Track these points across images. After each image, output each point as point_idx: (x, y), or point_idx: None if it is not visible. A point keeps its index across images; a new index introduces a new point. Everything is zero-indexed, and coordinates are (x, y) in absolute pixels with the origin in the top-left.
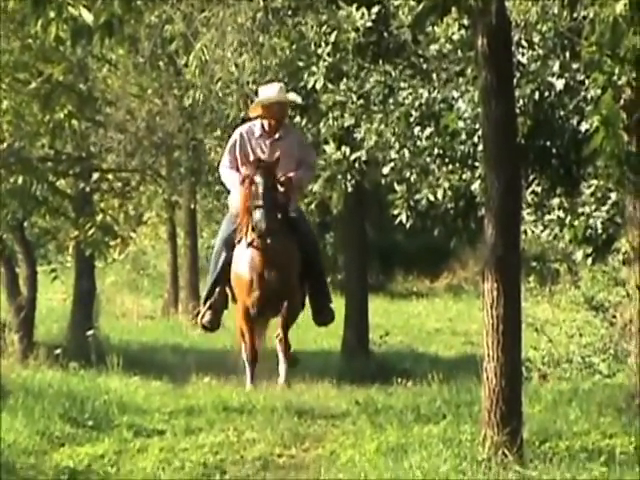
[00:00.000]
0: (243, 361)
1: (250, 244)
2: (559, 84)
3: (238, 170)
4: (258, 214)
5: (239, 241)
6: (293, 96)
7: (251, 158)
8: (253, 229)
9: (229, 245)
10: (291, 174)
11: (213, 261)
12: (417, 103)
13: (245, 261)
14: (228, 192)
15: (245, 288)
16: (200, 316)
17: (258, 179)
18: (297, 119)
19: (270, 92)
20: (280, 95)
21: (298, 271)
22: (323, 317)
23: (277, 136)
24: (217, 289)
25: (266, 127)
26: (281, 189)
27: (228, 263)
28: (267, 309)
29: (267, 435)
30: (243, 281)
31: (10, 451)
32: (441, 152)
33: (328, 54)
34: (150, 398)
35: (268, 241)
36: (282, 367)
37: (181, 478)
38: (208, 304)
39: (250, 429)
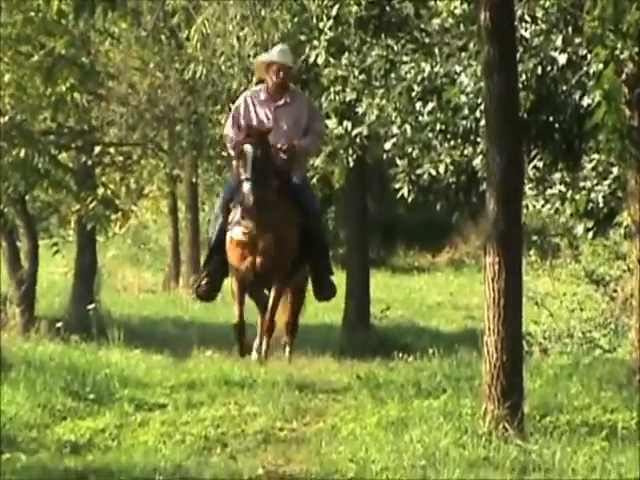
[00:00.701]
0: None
1: (241, 215)
2: (562, 59)
3: (239, 133)
4: (245, 187)
5: (235, 206)
6: (294, 58)
7: (254, 124)
8: (240, 202)
9: (226, 210)
10: (295, 142)
11: (212, 227)
12: (419, 78)
13: (238, 227)
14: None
15: (237, 255)
16: (196, 285)
17: (247, 149)
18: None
19: (272, 53)
20: (281, 56)
21: (294, 245)
22: (325, 292)
23: (282, 102)
24: (214, 257)
25: (272, 93)
26: (283, 157)
27: (225, 230)
28: (259, 278)
29: (268, 409)
30: (235, 248)
31: (12, 424)
32: (443, 127)
33: (330, 28)
34: (151, 372)
35: (258, 213)
36: (263, 343)
37: (182, 451)
38: (205, 272)
39: (251, 403)
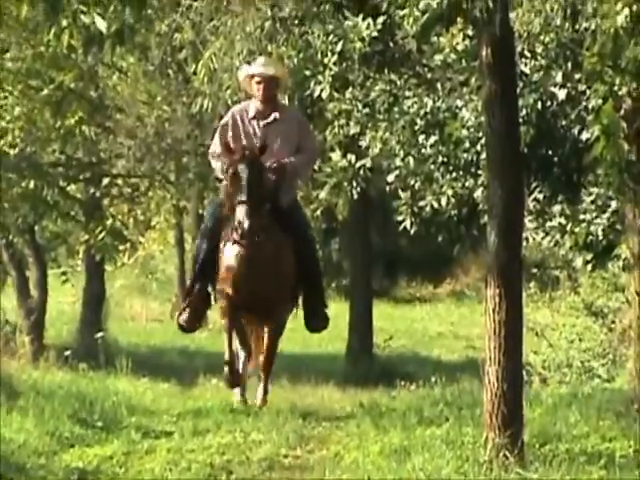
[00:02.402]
0: (225, 372)
1: (236, 241)
2: (561, 94)
3: (229, 153)
4: (241, 211)
5: (227, 235)
6: (280, 70)
7: (244, 142)
8: (236, 228)
9: (211, 236)
10: (285, 160)
11: (195, 256)
12: (422, 112)
13: (232, 255)
14: (219, 180)
15: (231, 280)
16: (178, 314)
17: (242, 170)
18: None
19: (253, 65)
20: (261, 68)
21: (290, 271)
22: (316, 323)
23: (272, 118)
24: (197, 286)
25: (260, 107)
26: (272, 177)
27: (208, 259)
28: (252, 307)
29: (273, 436)
30: (229, 274)
31: (20, 452)
32: (445, 160)
33: (334, 63)
34: (158, 400)
35: (255, 238)
36: (260, 386)
37: (188, 479)
38: (187, 302)
39: (256, 431)
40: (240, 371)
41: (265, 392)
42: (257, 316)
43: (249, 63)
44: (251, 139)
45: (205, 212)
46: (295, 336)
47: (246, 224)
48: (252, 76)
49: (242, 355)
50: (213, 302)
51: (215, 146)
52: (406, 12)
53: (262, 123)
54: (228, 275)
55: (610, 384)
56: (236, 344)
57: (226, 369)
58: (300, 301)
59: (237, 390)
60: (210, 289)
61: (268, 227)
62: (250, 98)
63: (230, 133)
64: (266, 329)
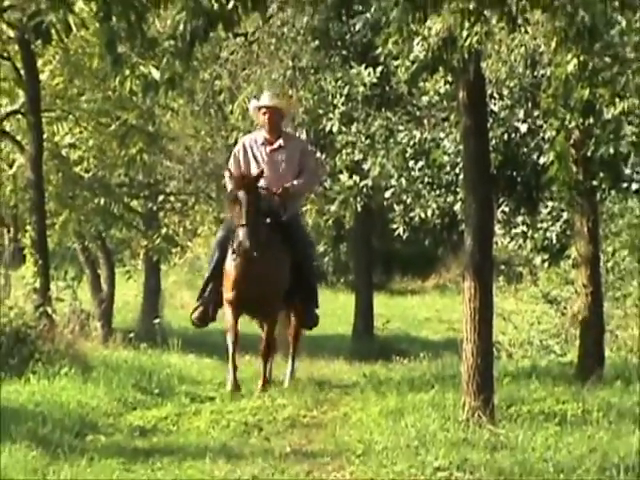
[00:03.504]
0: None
1: (237, 254)
2: (523, 127)
3: (231, 180)
4: (241, 234)
5: (233, 248)
6: (284, 102)
7: (252, 167)
8: (237, 247)
9: (222, 247)
10: (287, 184)
11: (209, 261)
12: (411, 142)
13: (233, 263)
14: None
15: (230, 284)
16: (192, 311)
17: (241, 197)
18: (318, 154)
19: (262, 99)
20: (266, 100)
21: (284, 279)
22: (308, 322)
23: (277, 145)
24: (209, 287)
25: (267, 135)
26: (277, 198)
27: (220, 264)
28: (249, 310)
29: (294, 400)
30: (229, 278)
31: (93, 413)
32: (430, 180)
33: (342, 103)
34: (203, 372)
35: (254, 254)
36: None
37: (227, 434)
38: (200, 302)
39: (281, 396)
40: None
41: (265, 376)
42: (254, 316)
43: (257, 98)
44: (259, 163)
45: (220, 227)
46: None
47: (246, 244)
48: (259, 108)
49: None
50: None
51: (230, 170)
52: (399, 62)
53: (269, 149)
54: (229, 284)
55: (563, 358)
56: (236, 348)
57: (230, 367)
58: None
59: (229, 384)
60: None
61: (266, 243)
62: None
63: (241, 158)
64: (263, 325)
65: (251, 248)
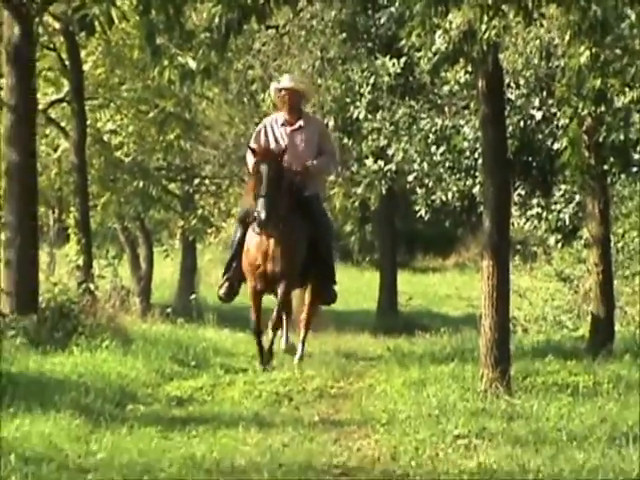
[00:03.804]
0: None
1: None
2: (538, 115)
3: (254, 155)
4: (260, 204)
5: (251, 222)
6: (303, 85)
7: (272, 145)
8: (254, 218)
9: (243, 224)
10: (308, 163)
11: (232, 238)
12: (433, 129)
13: (252, 243)
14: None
15: (251, 267)
16: (218, 288)
17: (263, 168)
18: (345, 140)
19: (282, 81)
20: (286, 82)
21: (301, 255)
22: (325, 297)
23: (297, 125)
24: (233, 264)
25: (287, 116)
26: (298, 177)
27: (242, 240)
28: (268, 285)
29: (322, 372)
30: (249, 260)
31: (133, 384)
32: (451, 165)
33: (368, 92)
34: (237, 345)
35: (269, 226)
36: (283, 338)
37: (259, 404)
38: (225, 277)
39: (310, 367)
40: (263, 346)
41: (287, 339)
42: (271, 289)
43: (278, 81)
44: (279, 142)
45: (239, 206)
46: (339, 297)
47: (263, 214)
48: (280, 90)
49: (265, 337)
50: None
51: (251, 147)
52: (422, 54)
53: (289, 129)
54: (247, 258)
55: (575, 333)
56: (259, 318)
57: (255, 340)
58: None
59: (259, 358)
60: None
61: (284, 216)
62: (276, 111)
63: (263, 137)
64: (278, 295)
65: (267, 219)
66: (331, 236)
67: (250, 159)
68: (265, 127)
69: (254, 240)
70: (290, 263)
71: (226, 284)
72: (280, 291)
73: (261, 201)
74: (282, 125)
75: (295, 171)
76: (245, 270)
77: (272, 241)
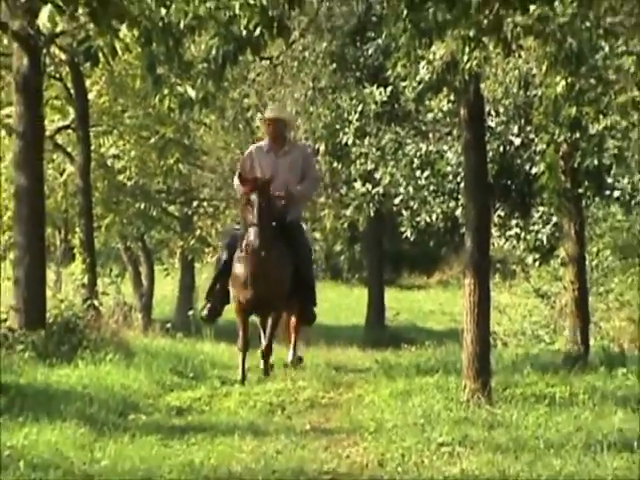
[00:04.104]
0: (237, 352)
1: (246, 253)
2: (517, 141)
3: (244, 184)
4: (252, 232)
5: (240, 247)
6: (287, 114)
7: (257, 172)
8: (247, 245)
9: (229, 249)
10: (292, 189)
11: (216, 262)
12: (418, 154)
13: (242, 266)
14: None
15: (240, 287)
16: (201, 309)
17: (254, 198)
18: (335, 164)
19: (267, 111)
20: (275, 112)
21: (288, 280)
22: (305, 318)
23: (281, 152)
24: (217, 286)
25: (272, 144)
26: (282, 202)
27: (227, 264)
28: (256, 308)
29: (313, 383)
30: (238, 282)
31: (135, 395)
32: (435, 188)
33: (356, 119)
34: (233, 358)
35: (262, 254)
36: (262, 364)
37: (254, 413)
38: (207, 300)
39: (302, 379)
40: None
41: (266, 368)
42: (259, 311)
43: (261, 108)
44: (265, 169)
45: (227, 227)
46: (329, 313)
47: (256, 243)
48: (266, 119)
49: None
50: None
51: (237, 175)
52: (407, 83)
53: (273, 156)
54: (238, 284)
55: (552, 346)
56: (245, 336)
57: (240, 356)
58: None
59: (239, 373)
60: (229, 287)
61: (273, 243)
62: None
63: (249, 164)
64: (268, 321)
65: (260, 247)
66: (311, 259)
67: (238, 185)
68: (252, 154)
69: (242, 266)
70: (279, 290)
71: (208, 305)
72: (271, 321)
73: (254, 230)
74: (267, 152)
75: (279, 196)
76: (233, 294)
77: (261, 267)
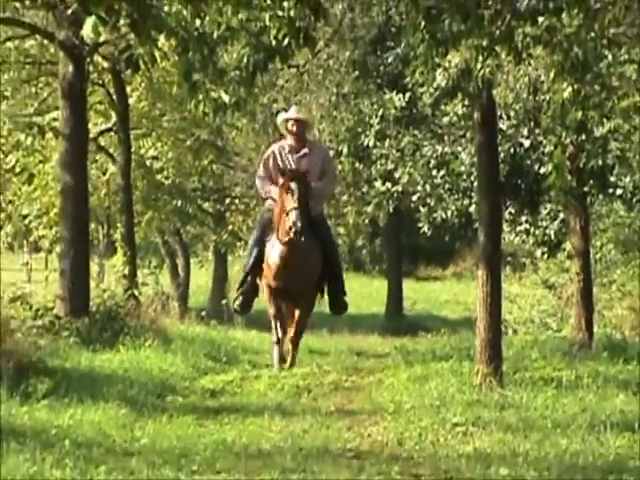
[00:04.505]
0: (272, 342)
1: (282, 241)
2: (526, 143)
3: (271, 179)
4: (294, 215)
5: (271, 238)
6: (308, 116)
7: (293, 167)
8: (290, 227)
9: (260, 241)
10: (312, 184)
11: (246, 257)
12: (434, 155)
13: (276, 254)
14: (263, 199)
15: (274, 273)
16: (233, 301)
17: (293, 186)
18: (356, 164)
19: (289, 112)
20: (295, 113)
21: (319, 268)
22: (338, 306)
23: (303, 152)
24: (249, 279)
25: (293, 144)
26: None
27: (258, 259)
28: (289, 293)
29: (337, 367)
30: (273, 268)
31: (172, 378)
32: (450, 187)
33: (377, 123)
34: (262, 343)
35: (302, 238)
36: (290, 353)
37: (282, 395)
38: (240, 291)
39: (326, 364)
40: (283, 351)
41: (293, 358)
42: (292, 299)
43: (285, 111)
44: (288, 167)
45: (257, 222)
46: (352, 302)
47: (299, 224)
48: (287, 120)
49: (280, 333)
50: (260, 291)
51: (261, 172)
52: (424, 89)
53: (295, 156)
54: (271, 268)
55: (559, 333)
56: (279, 330)
57: (275, 348)
58: (325, 290)
59: (276, 362)
60: (258, 281)
61: (306, 232)
62: (282, 138)
63: (272, 163)
64: (298, 309)
65: (302, 228)
66: (337, 251)
67: (261, 184)
68: (274, 154)
69: (278, 251)
70: (311, 278)
71: (241, 297)
72: (300, 310)
73: (295, 213)
74: (289, 152)
75: None
76: (268, 277)
77: (296, 256)
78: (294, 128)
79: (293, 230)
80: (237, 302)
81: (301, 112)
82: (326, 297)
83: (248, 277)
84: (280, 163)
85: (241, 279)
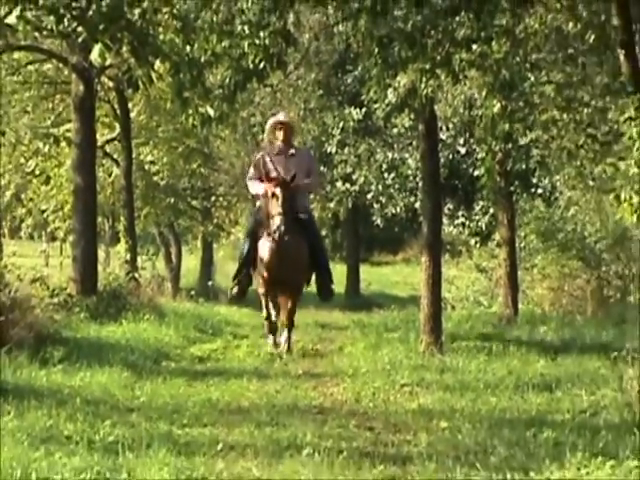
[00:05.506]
0: (265, 326)
1: (271, 239)
2: (463, 150)
3: (261, 180)
4: (277, 220)
5: (262, 235)
6: (294, 120)
7: (272, 173)
8: (274, 231)
9: (252, 237)
10: (299, 182)
11: (240, 248)
12: (386, 160)
13: (266, 249)
14: (252, 197)
15: (265, 266)
16: (229, 289)
17: (278, 192)
18: (321, 168)
19: (279, 115)
20: (286, 117)
21: (306, 261)
22: (325, 294)
23: (289, 154)
24: (243, 270)
25: (282, 146)
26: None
27: (251, 250)
28: (280, 284)
29: (304, 337)
30: (264, 261)
31: (166, 346)
32: (399, 187)
33: (338, 133)
34: (242, 318)
35: (285, 238)
36: (284, 336)
37: (259, 361)
38: (236, 281)
39: (295, 334)
40: (274, 323)
41: (289, 340)
42: (282, 289)
43: (274, 115)
44: (278, 170)
45: (249, 219)
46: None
47: (282, 229)
48: (276, 124)
49: (274, 314)
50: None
51: (251, 174)
52: (378, 105)
53: (284, 158)
54: (263, 263)
55: (489, 309)
56: (270, 307)
57: (266, 322)
58: (313, 278)
59: (270, 340)
60: (252, 272)
61: (292, 229)
62: (271, 143)
63: (261, 164)
64: (289, 298)
65: (286, 232)
66: (323, 244)
67: (254, 185)
68: (263, 156)
69: (268, 249)
70: (299, 269)
71: (237, 287)
72: (290, 298)
73: (279, 218)
74: (277, 154)
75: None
76: (260, 275)
77: (286, 249)
78: (282, 131)
79: (277, 234)
80: (234, 290)
81: (288, 116)
82: (313, 285)
83: (243, 268)
84: (270, 165)
85: (236, 270)
